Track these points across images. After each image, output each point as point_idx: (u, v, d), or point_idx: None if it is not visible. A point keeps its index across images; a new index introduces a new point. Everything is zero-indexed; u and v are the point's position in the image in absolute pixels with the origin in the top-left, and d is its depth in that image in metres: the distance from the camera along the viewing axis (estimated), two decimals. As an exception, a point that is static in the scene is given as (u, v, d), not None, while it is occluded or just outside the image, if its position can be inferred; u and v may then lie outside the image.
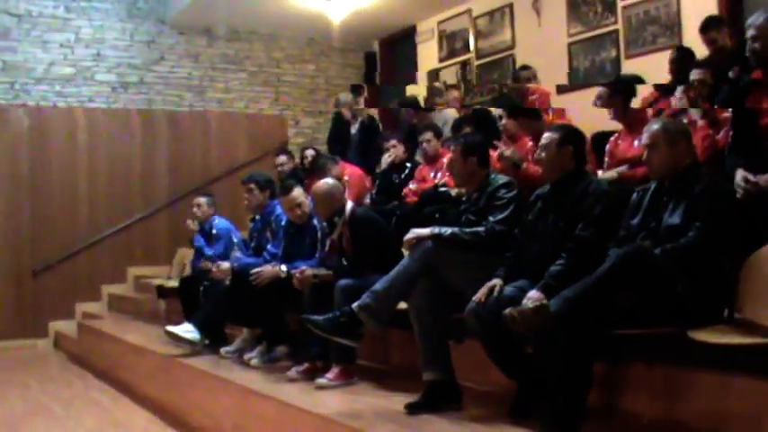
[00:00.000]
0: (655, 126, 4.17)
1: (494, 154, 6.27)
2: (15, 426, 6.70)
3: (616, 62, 9.43)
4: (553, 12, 10.25)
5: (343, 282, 5.47)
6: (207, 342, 7.09)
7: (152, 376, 7.48)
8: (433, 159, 7.56)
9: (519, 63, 10.45)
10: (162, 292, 9.07)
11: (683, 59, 7.06)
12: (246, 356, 6.54)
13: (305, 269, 5.93)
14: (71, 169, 11.71)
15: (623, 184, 5.03)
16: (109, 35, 12.10)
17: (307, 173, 9.30)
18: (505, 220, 4.78)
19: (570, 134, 4.62)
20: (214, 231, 8.09)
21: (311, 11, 11.50)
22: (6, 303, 11.15)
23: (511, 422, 4.10)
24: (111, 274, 11.84)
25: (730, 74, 5.95)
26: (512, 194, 4.89)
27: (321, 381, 5.36)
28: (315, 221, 6.54)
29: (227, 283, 6.87)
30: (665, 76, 7.37)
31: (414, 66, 12.90)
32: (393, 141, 8.50)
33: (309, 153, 9.84)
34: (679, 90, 5.76)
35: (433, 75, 12.34)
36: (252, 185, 7.40)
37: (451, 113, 10.21)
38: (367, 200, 8.35)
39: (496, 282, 4.38)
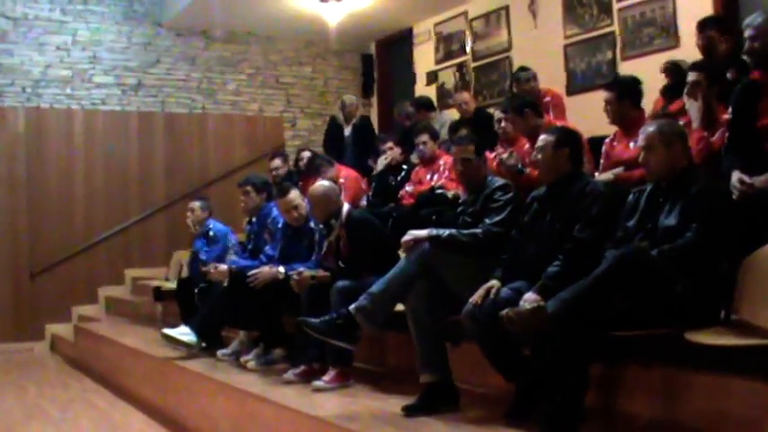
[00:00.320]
0: (651, 128, 4.18)
1: (491, 156, 6.28)
2: (12, 429, 6.70)
3: (612, 64, 9.43)
4: (549, 14, 10.25)
5: (340, 284, 5.46)
6: (203, 345, 7.08)
7: (149, 379, 7.48)
8: (429, 161, 7.55)
9: (515, 65, 10.46)
10: (159, 294, 9.06)
11: (673, 71, 7.15)
12: (243, 359, 6.53)
13: (303, 271, 5.92)
14: (68, 171, 11.72)
15: (620, 185, 5.02)
16: (105, 38, 12.08)
17: (302, 174, 9.31)
18: (502, 222, 4.80)
19: (566, 136, 4.63)
20: (211, 234, 8.08)
21: (308, 13, 11.50)
22: (3, 306, 11.15)
23: (508, 424, 4.09)
24: (108, 277, 11.84)
25: (728, 75, 5.95)
26: (508, 197, 4.91)
27: (318, 383, 5.35)
28: (312, 223, 6.53)
29: (225, 284, 6.87)
30: (661, 78, 7.38)
31: (410, 68, 12.92)
32: (390, 143, 8.50)
33: (305, 155, 9.85)
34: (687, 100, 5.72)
35: (431, 76, 12.36)
36: (248, 188, 7.42)
37: (449, 116, 10.25)
38: (363, 202, 8.34)
39: (493, 283, 4.38)
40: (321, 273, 5.93)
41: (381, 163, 8.46)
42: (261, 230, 7.40)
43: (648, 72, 7.49)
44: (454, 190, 6.86)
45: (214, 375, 6.27)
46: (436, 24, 12.30)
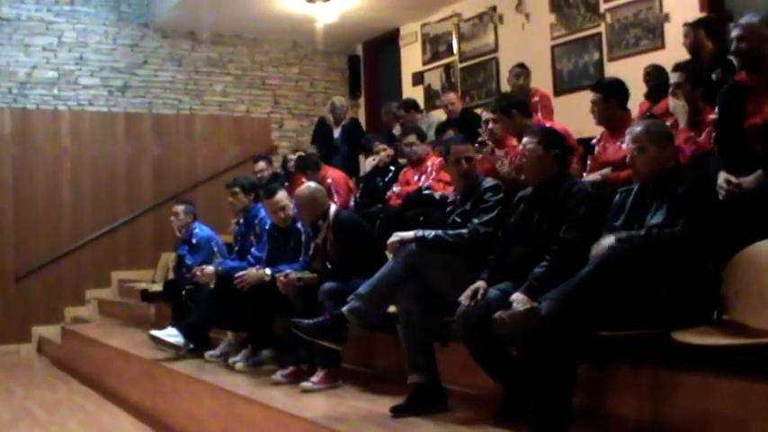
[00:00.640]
0: (638, 128, 4.19)
1: (478, 157, 6.29)
2: (-1, 431, 6.69)
3: (599, 65, 9.45)
4: (536, 14, 10.27)
5: (327, 285, 5.47)
6: (191, 346, 7.07)
7: (136, 381, 7.46)
8: (417, 162, 7.56)
9: (502, 66, 10.50)
10: (146, 296, 9.04)
11: (656, 74, 7.19)
12: (231, 360, 6.53)
13: (289, 272, 5.93)
14: (54, 173, 11.67)
15: (607, 186, 5.03)
16: (92, 39, 12.04)
17: (290, 175, 9.32)
18: (490, 222, 4.80)
19: (551, 137, 4.63)
20: (194, 241, 7.94)
21: (295, 14, 11.49)
22: (-10, 308, 11.10)
23: (497, 425, 4.11)
24: (95, 279, 11.81)
25: (713, 76, 5.97)
26: (498, 197, 4.91)
27: (306, 384, 5.35)
28: (299, 225, 6.53)
29: (212, 286, 6.86)
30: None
31: (397, 69, 12.93)
32: (382, 144, 8.51)
33: (293, 156, 9.85)
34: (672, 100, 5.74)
35: (417, 77, 12.37)
36: (236, 189, 7.41)
37: (436, 117, 10.26)
38: (351, 203, 8.35)
39: (480, 284, 4.38)
40: (308, 274, 5.94)
41: (369, 164, 8.47)
42: (248, 231, 7.39)
43: (635, 73, 7.55)
44: (442, 191, 6.87)
45: (202, 377, 6.26)
46: (423, 25, 12.31)
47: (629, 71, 7.65)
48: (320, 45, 13.09)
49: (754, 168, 4.09)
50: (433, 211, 6.32)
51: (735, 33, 4.47)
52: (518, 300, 4.06)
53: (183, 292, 7.43)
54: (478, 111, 8.57)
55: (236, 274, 6.37)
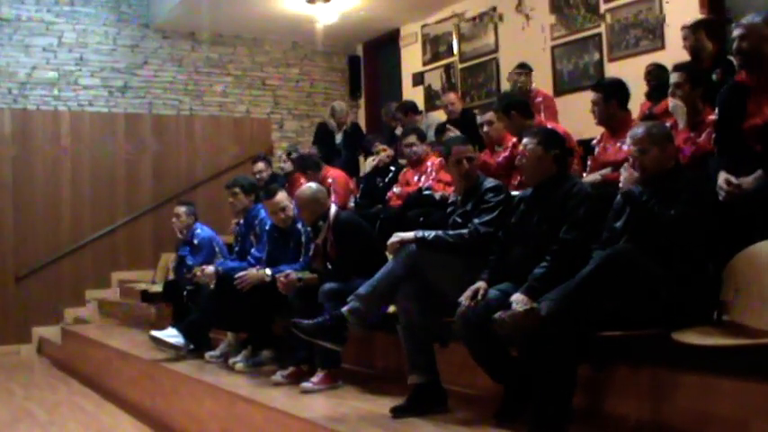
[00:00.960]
0: (639, 130, 4.19)
1: (481, 156, 6.30)
2: (-1, 432, 6.69)
3: (599, 65, 9.45)
4: (536, 15, 10.27)
5: (327, 285, 5.47)
6: (191, 347, 7.07)
7: (136, 381, 7.46)
8: (417, 163, 7.56)
9: (503, 66, 10.50)
10: (146, 296, 9.03)
11: (658, 73, 7.18)
12: (231, 361, 6.53)
13: (289, 273, 5.93)
14: (54, 173, 11.68)
15: (607, 186, 5.02)
16: (92, 39, 12.05)
17: (288, 175, 9.33)
18: (490, 223, 4.78)
19: (550, 138, 4.62)
20: (196, 242, 7.95)
21: (295, 15, 11.50)
22: (-10, 309, 11.10)
23: (497, 425, 4.11)
24: (95, 279, 11.81)
25: (713, 76, 5.97)
26: (499, 198, 4.89)
27: (306, 385, 5.35)
28: (299, 225, 6.53)
29: (212, 287, 6.86)
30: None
31: (398, 69, 12.93)
32: (383, 145, 8.51)
33: (295, 155, 9.84)
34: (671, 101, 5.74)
35: (418, 78, 12.37)
36: (236, 189, 7.41)
37: (435, 118, 10.27)
38: (351, 203, 8.35)
39: (480, 285, 4.37)
40: (308, 275, 5.94)
41: (369, 165, 8.47)
42: (248, 232, 7.39)
43: (635, 73, 7.54)
44: (442, 191, 6.87)
45: (202, 377, 6.26)
46: (423, 26, 12.31)
47: (630, 72, 7.65)
48: (320, 45, 13.09)
49: (753, 169, 4.09)
50: (434, 211, 6.32)
51: (736, 33, 4.47)
52: (518, 300, 4.06)
53: (185, 293, 7.43)
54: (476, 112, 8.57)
55: (237, 275, 6.37)
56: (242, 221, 7.57)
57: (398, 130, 9.72)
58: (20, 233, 11.35)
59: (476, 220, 4.83)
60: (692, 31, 6.80)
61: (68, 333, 10.25)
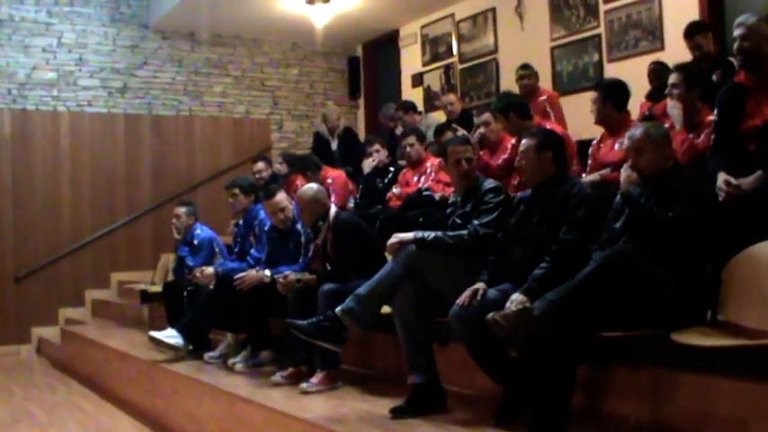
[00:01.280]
0: (638, 130, 4.19)
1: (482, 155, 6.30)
2: (-2, 432, 6.69)
3: (599, 66, 9.45)
4: (535, 16, 10.27)
5: (326, 286, 5.47)
6: (190, 347, 7.07)
7: (136, 382, 7.46)
8: (416, 163, 7.55)
9: (502, 67, 10.51)
10: (145, 297, 9.02)
11: (660, 72, 7.18)
12: (230, 362, 6.53)
13: (288, 274, 5.93)
14: (54, 174, 11.66)
15: (606, 187, 5.03)
16: (91, 40, 12.03)
17: (283, 177, 9.32)
18: (490, 224, 4.78)
19: (548, 138, 4.62)
20: (196, 242, 7.93)
21: (295, 15, 11.49)
22: (-11, 309, 11.10)
23: (496, 425, 4.11)
24: (94, 280, 11.79)
25: (713, 77, 5.97)
26: (498, 199, 4.90)
27: (305, 385, 5.35)
28: (298, 226, 6.53)
29: (211, 287, 6.86)
30: (646, 80, 7.41)
31: (397, 70, 12.93)
32: (377, 146, 8.50)
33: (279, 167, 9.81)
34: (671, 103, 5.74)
35: (417, 79, 12.38)
36: (236, 190, 7.40)
37: (434, 118, 10.26)
38: (350, 204, 8.35)
39: (480, 285, 4.38)
40: (307, 275, 5.94)
41: (368, 165, 8.46)
42: (248, 233, 7.39)
43: (635, 74, 7.54)
44: (441, 192, 6.87)
45: (201, 378, 6.26)
46: (422, 27, 12.31)
47: (629, 72, 7.66)
48: (320, 46, 13.10)
49: (753, 169, 4.09)
50: (433, 212, 6.32)
51: (737, 33, 4.47)
52: (514, 300, 4.07)
53: (185, 294, 7.42)
54: (475, 113, 8.58)
55: (236, 276, 6.37)
56: (241, 222, 7.56)
57: (398, 130, 9.72)
58: (19, 233, 11.34)
59: (475, 222, 4.83)
60: (691, 33, 6.81)
61: (68, 333, 10.25)
